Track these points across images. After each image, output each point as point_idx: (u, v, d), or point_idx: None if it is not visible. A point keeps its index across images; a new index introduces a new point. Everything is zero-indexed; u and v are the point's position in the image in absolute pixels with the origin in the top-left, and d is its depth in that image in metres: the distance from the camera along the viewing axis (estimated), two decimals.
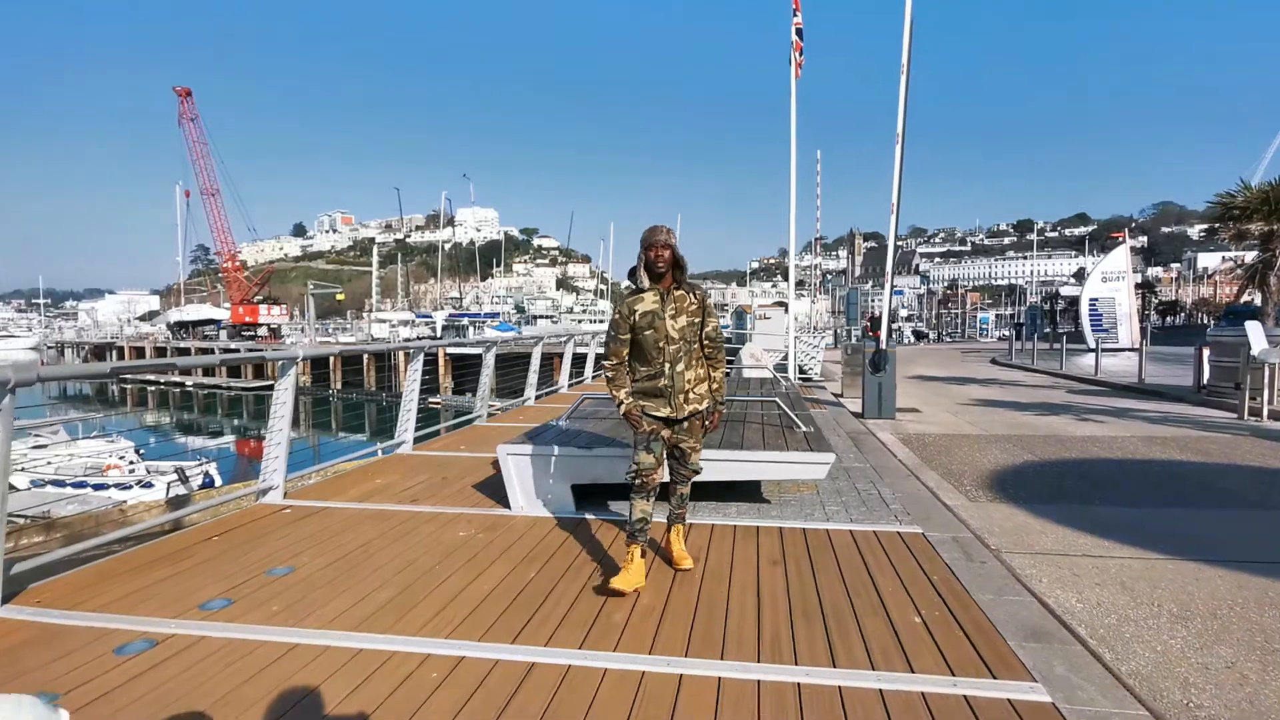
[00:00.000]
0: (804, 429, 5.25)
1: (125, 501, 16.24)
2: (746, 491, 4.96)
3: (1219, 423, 9.29)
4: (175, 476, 17.85)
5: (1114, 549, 4.30)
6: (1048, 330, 37.50)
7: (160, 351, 56.97)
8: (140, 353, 57.39)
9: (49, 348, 67.09)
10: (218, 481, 17.72)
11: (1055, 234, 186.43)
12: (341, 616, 3.06)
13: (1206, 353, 11.30)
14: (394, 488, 5.45)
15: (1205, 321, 63.88)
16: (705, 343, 3.48)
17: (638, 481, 3.43)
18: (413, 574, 3.57)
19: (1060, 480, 6.17)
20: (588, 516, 4.55)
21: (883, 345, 9.93)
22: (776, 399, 5.62)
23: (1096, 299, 24.01)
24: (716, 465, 4.47)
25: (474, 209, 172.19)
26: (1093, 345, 23.28)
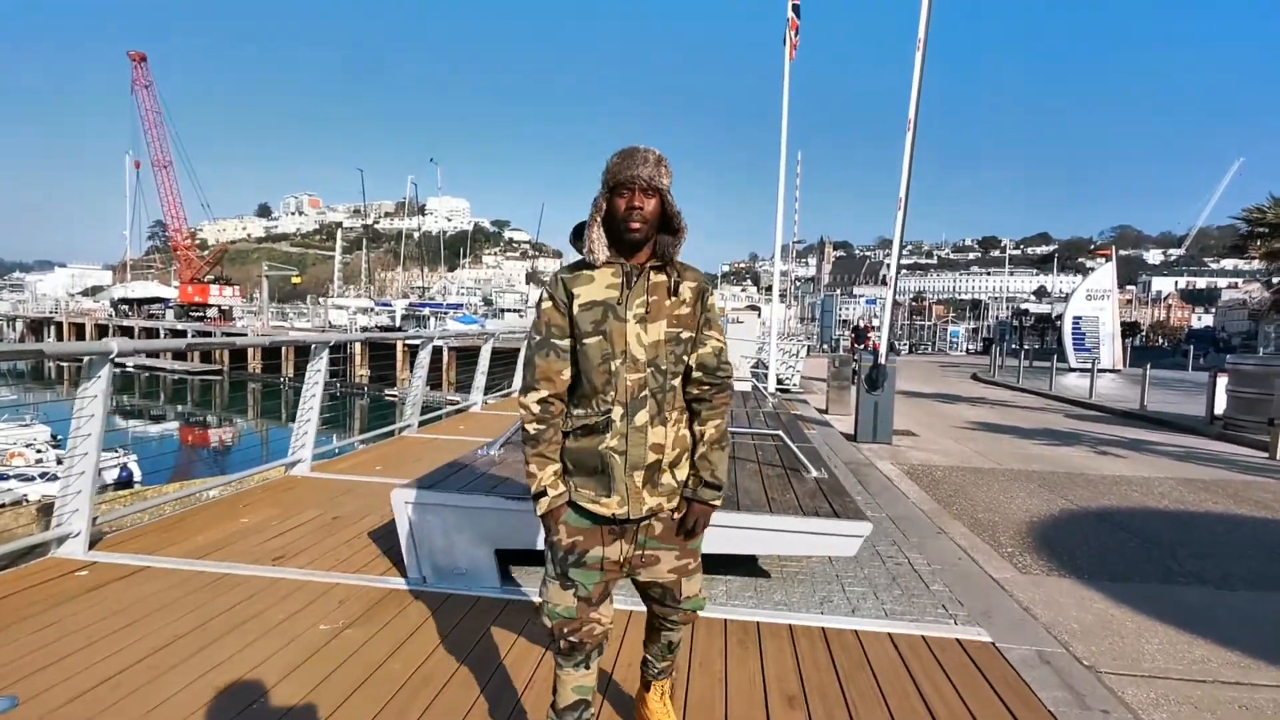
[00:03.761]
0: (815, 473, 3.97)
1: (26, 497, 14.43)
2: (738, 561, 3.66)
3: (1252, 463, 8.29)
4: None
5: (1249, 667, 3.09)
6: (1015, 346, 37.12)
7: (101, 329, 53.87)
8: (79, 329, 54.30)
9: None
10: (136, 475, 15.93)
11: (1018, 252, 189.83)
12: None
13: (1222, 381, 10.37)
14: (262, 531, 4.03)
15: (1161, 344, 64.85)
16: (696, 375, 1.83)
17: (560, 644, 1.82)
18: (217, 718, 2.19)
19: (1116, 541, 5.00)
20: (515, 597, 3.20)
21: (881, 359, 8.75)
22: (780, 432, 4.34)
23: (1080, 317, 23.37)
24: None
25: (444, 198, 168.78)
26: (1075, 365, 22.71)
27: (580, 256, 1.80)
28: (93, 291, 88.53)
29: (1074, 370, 22.19)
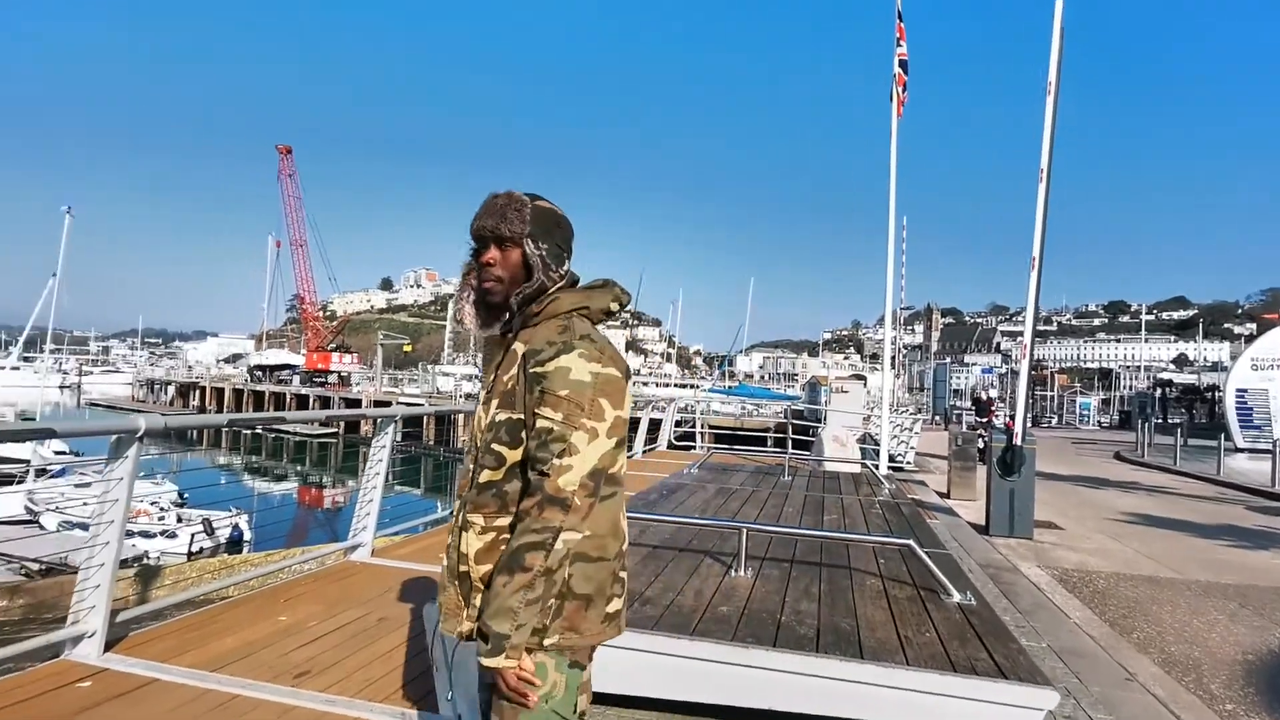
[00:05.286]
0: (959, 598, 3.08)
1: (146, 553, 15.11)
2: None
3: None
4: (201, 528, 16.68)
5: None
6: (1160, 420, 33.26)
7: (238, 393, 58.52)
8: (220, 393, 59.12)
9: (140, 385, 70.33)
10: (247, 535, 16.45)
11: (1151, 317, 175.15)
12: None
13: None
14: (296, 634, 3.53)
15: None
16: (530, 461, 1.39)
17: None
18: None
19: None
20: None
21: (1017, 439, 7.57)
22: (911, 542, 3.47)
23: (1245, 390, 20.43)
24: (803, 686, 2.36)
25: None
26: (1244, 445, 19.78)
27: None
28: (234, 359, 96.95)
29: (1241, 451, 19.31)
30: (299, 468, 36.86)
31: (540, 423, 1.35)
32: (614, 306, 1.52)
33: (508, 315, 1.50)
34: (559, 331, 1.42)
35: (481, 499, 1.45)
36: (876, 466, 9.46)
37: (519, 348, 1.45)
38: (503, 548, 1.40)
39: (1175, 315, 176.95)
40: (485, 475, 1.44)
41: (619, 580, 1.47)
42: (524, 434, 1.40)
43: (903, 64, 11.32)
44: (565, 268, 1.52)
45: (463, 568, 1.46)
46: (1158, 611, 5.12)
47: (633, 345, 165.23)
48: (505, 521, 1.43)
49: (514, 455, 1.42)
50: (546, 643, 1.36)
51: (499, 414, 1.44)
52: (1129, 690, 3.49)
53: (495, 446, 1.43)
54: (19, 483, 16.82)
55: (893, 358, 16.30)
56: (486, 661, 1.32)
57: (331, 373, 63.31)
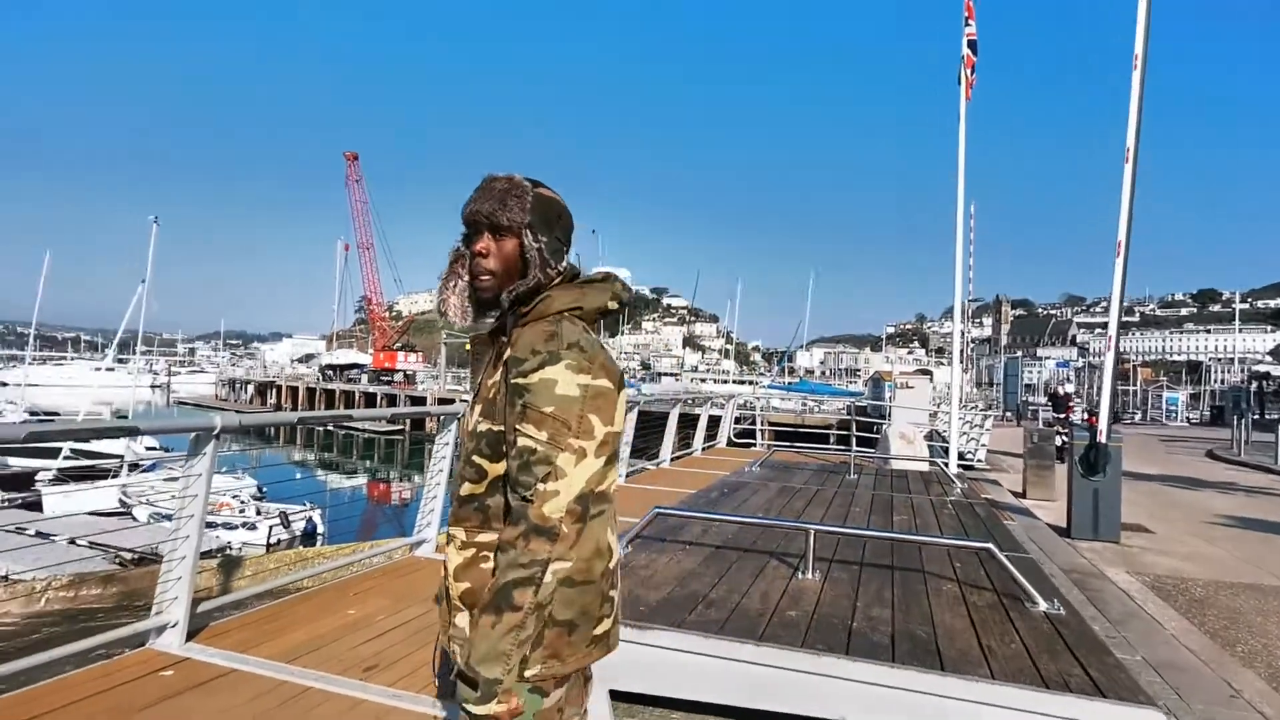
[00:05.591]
0: (1045, 606, 2.89)
1: (230, 544, 15.91)
2: None
3: None
4: (278, 520, 17.42)
5: None
6: (1257, 416, 31.04)
7: (310, 391, 60.90)
8: (294, 391, 61.63)
9: (222, 384, 74.18)
10: (320, 528, 17.15)
11: (1245, 305, 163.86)
12: None
13: None
14: (364, 629, 3.60)
15: None
16: (511, 483, 1.25)
17: None
18: None
19: None
20: None
21: (1101, 436, 7.14)
22: (990, 545, 3.27)
23: None
24: (878, 697, 2.24)
25: (606, 269, 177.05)
26: None
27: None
28: (307, 359, 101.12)
29: None
30: (368, 463, 38.08)
31: (522, 440, 1.21)
32: (612, 305, 1.38)
33: (498, 312, 1.38)
34: (546, 339, 1.27)
35: (463, 512, 1.36)
36: (946, 465, 9.11)
37: (505, 351, 1.33)
38: (483, 565, 1.31)
39: (1273, 303, 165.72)
40: (466, 488, 1.35)
41: (608, 600, 1.33)
42: (505, 447, 1.28)
43: (971, 44, 10.83)
44: (564, 264, 1.40)
45: (447, 583, 1.38)
46: (1263, 623, 4.73)
47: (690, 341, 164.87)
48: (487, 537, 1.32)
49: (495, 469, 1.31)
50: (528, 674, 1.22)
51: (480, 423, 1.32)
52: (1234, 708, 3.21)
53: (476, 459, 1.33)
54: (114, 477, 17.91)
55: (960, 351, 15.70)
56: (477, 710, 1.17)
57: (397, 371, 65.33)
